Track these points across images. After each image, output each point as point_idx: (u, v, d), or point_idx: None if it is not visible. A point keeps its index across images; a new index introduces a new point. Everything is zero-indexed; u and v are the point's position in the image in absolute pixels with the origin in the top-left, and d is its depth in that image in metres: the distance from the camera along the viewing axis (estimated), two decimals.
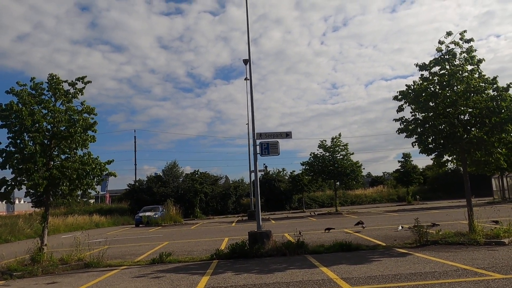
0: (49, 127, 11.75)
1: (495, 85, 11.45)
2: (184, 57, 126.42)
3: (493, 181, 37.08)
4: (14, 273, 10.08)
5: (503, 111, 10.95)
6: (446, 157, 12.57)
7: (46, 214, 11.77)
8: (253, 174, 13.65)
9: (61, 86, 12.15)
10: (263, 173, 43.83)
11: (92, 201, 51.27)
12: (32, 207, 50.15)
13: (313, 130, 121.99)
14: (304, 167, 33.64)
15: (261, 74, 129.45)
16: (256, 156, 12.82)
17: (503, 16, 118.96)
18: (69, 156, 11.99)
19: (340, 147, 32.10)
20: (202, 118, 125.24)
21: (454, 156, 12.43)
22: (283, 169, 49.31)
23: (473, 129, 11.54)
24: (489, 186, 37.74)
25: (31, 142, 11.27)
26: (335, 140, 32.30)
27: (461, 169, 12.40)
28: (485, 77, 11.64)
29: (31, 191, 11.54)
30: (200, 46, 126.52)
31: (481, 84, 11.44)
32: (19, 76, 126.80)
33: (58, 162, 11.75)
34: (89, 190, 12.19)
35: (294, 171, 39.55)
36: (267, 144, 12.69)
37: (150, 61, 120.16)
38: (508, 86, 11.28)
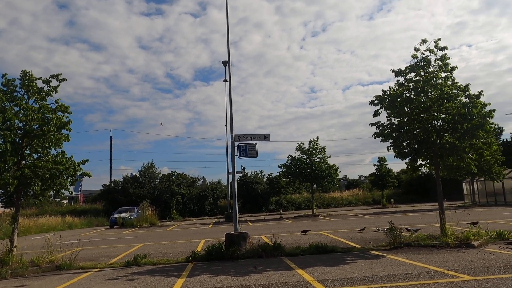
0: (21, 125, 11.42)
1: (467, 92, 11.81)
2: (164, 58, 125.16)
3: (464, 185, 38.23)
4: None
5: (474, 117, 11.30)
6: (419, 162, 12.89)
7: (16, 214, 11.42)
8: (230, 176, 13.62)
9: (34, 83, 11.82)
10: (240, 175, 43.85)
11: (65, 201, 49.97)
12: (1, 207, 48.49)
13: (291, 133, 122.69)
14: (281, 169, 33.86)
15: (241, 76, 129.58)
16: (234, 158, 12.82)
17: (474, 26, 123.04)
18: (41, 155, 11.68)
19: (318, 150, 32.50)
20: (181, 119, 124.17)
21: (428, 161, 12.76)
22: (261, 171, 49.42)
23: (445, 134, 11.87)
24: (461, 190, 38.90)
25: (2, 140, 10.92)
26: (312, 143, 32.67)
27: (434, 173, 12.71)
28: (458, 84, 11.98)
29: (1, 190, 11.19)
30: (180, 47, 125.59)
31: (454, 91, 11.78)
32: None
33: (30, 161, 11.42)
34: (62, 191, 11.87)
35: (271, 173, 39.82)
36: (245, 146, 12.70)
37: (129, 61, 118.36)
38: (479, 93, 11.66)
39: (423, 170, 14.89)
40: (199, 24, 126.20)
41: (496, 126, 35.66)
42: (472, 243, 10.57)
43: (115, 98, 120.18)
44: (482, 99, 11.64)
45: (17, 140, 11.26)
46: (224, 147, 35.23)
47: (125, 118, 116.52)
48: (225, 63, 26.44)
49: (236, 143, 12.75)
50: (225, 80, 30.87)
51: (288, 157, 33.29)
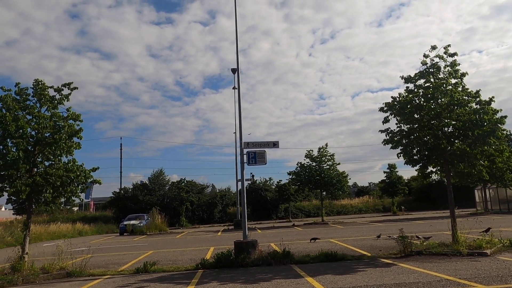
0: (33, 133, 11.59)
1: (478, 99, 11.70)
2: (173, 66, 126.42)
3: (476, 192, 37.66)
4: None
5: (485, 124, 11.18)
6: (430, 169, 12.75)
7: (28, 221, 11.54)
8: (239, 183, 13.63)
9: (46, 92, 12.01)
10: (249, 182, 43.80)
11: (75, 208, 50.43)
12: (13, 214, 48.99)
13: (300, 140, 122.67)
14: (290, 176, 33.69)
15: (250, 84, 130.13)
16: (243, 165, 12.82)
17: (484, 32, 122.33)
18: (53, 162, 11.82)
19: (327, 157, 32.31)
20: (190, 126, 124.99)
21: (438, 168, 12.62)
22: (270, 178, 49.42)
23: (456, 141, 11.75)
24: (472, 197, 38.32)
25: (15, 148, 11.08)
26: (322, 150, 32.52)
27: (445, 180, 12.57)
28: (468, 90, 11.87)
29: (13, 198, 11.42)
30: (189, 55, 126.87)
31: (464, 97, 11.67)
32: (5, 82, 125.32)
33: (42, 169, 11.57)
34: (73, 198, 12.01)
35: (280, 180, 39.61)
36: (254, 153, 12.71)
37: (139, 69, 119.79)
38: (490, 99, 11.54)
39: (434, 177, 14.74)
40: (208, 32, 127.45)
41: (508, 133, 35.08)
42: (484, 251, 10.40)
43: (125, 106, 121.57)
44: (493, 105, 11.52)
45: (29, 148, 11.42)
46: (233, 154, 35.28)
47: (135, 125, 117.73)
48: (234, 70, 26.61)
49: (245, 151, 12.76)
50: (234, 88, 31.08)
51: (297, 164, 33.19)
